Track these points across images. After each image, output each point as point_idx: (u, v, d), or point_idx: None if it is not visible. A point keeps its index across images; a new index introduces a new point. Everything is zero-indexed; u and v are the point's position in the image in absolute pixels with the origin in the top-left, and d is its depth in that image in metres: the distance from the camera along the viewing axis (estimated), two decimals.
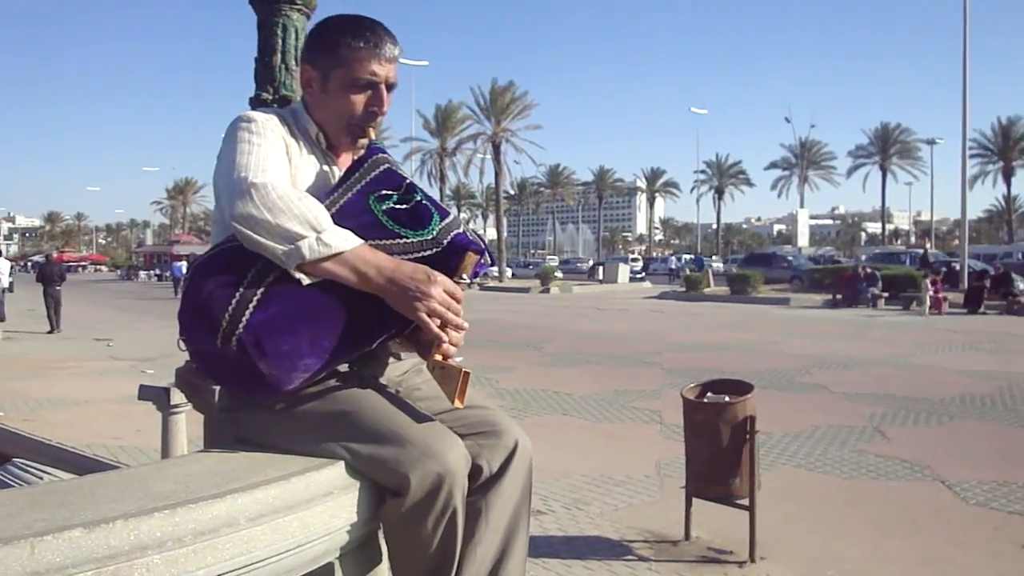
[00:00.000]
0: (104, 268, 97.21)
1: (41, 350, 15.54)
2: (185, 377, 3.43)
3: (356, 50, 1.85)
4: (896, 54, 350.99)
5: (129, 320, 23.33)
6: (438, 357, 1.69)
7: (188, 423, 4.81)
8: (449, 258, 1.71)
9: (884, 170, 75.44)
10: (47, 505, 1.30)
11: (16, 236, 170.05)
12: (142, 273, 68.39)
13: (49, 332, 19.53)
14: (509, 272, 54.85)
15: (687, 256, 69.40)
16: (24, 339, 17.75)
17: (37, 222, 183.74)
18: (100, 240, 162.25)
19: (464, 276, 1.72)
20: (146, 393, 4.92)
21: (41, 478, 3.83)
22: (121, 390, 9.41)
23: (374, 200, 1.75)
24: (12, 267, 28.83)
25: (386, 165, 1.81)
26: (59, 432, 6.54)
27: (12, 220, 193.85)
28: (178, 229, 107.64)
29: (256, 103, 3.20)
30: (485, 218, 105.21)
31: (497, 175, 54.12)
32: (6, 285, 23.30)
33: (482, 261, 1.78)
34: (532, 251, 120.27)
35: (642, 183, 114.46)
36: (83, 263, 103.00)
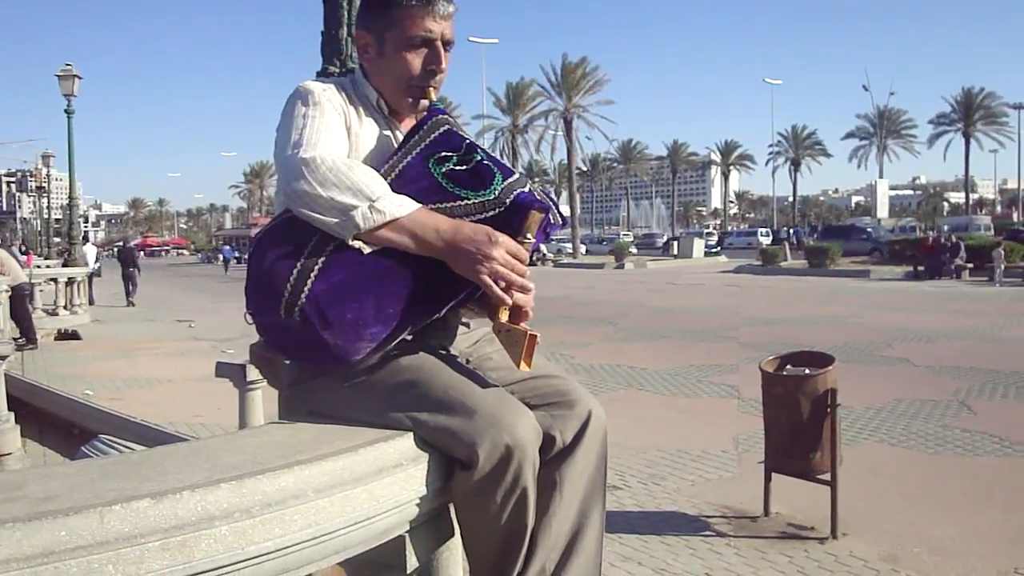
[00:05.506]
0: (185, 252, 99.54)
1: (127, 331, 16.03)
2: (259, 353, 3.44)
3: (409, 8, 1.81)
4: (980, 14, 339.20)
5: (209, 301, 23.86)
6: (503, 319, 1.65)
7: (265, 400, 4.88)
8: (513, 218, 1.65)
9: (967, 137, 72.79)
10: (117, 475, 1.30)
11: (103, 223, 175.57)
12: (221, 256, 69.91)
13: (127, 305, 21.64)
14: (583, 248, 54.67)
15: (763, 229, 68.09)
16: (111, 321, 18.30)
17: (122, 208, 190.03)
18: (181, 225, 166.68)
19: (530, 235, 1.65)
20: (223, 370, 5.00)
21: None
22: (202, 369, 9.60)
23: (433, 163, 1.70)
24: (99, 253, 29.68)
25: (446, 126, 1.76)
26: (143, 410, 6.72)
27: (99, 207, 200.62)
28: (255, 212, 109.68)
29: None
30: (558, 194, 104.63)
31: (569, 151, 54.00)
32: (94, 270, 24.06)
33: (551, 221, 1.72)
34: (606, 227, 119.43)
35: (716, 156, 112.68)
36: (165, 247, 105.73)
